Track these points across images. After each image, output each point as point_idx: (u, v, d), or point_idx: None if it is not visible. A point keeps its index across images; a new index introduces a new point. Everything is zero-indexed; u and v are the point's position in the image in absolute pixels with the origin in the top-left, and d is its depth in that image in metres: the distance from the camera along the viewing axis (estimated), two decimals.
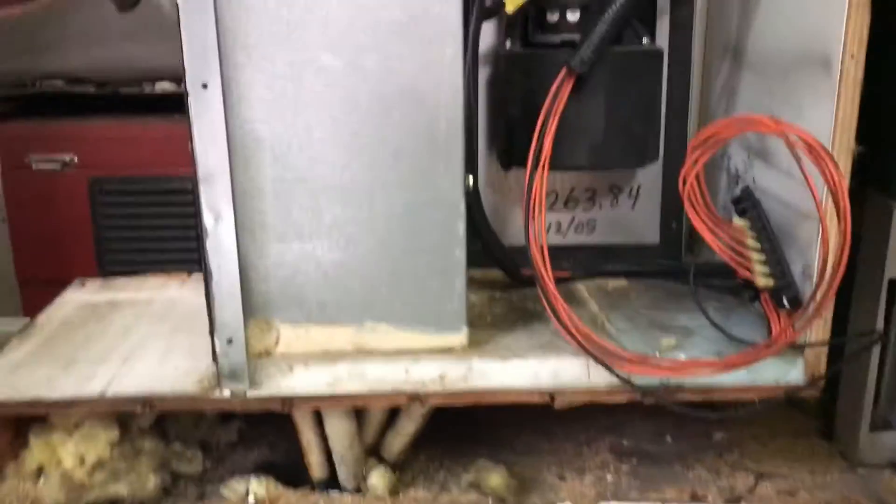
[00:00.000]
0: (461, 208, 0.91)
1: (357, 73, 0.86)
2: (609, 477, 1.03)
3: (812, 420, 1.13)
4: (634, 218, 1.20)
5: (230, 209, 0.87)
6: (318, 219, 0.91)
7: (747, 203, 1.00)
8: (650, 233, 1.20)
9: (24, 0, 1.52)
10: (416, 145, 0.89)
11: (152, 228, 1.53)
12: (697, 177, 0.90)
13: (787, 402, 0.99)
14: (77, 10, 1.48)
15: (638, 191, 1.19)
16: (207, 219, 0.87)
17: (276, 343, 0.93)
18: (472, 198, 0.97)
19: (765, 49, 1.04)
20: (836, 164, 0.79)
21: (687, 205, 0.93)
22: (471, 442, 1.09)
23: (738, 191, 1.05)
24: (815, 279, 0.88)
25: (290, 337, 0.93)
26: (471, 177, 0.92)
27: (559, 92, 0.95)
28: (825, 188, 0.84)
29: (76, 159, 1.50)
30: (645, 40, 1.06)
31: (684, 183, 0.91)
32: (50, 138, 1.50)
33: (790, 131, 0.81)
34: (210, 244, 0.88)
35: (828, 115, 0.87)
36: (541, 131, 0.95)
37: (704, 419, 1.04)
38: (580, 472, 1.04)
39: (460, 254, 0.92)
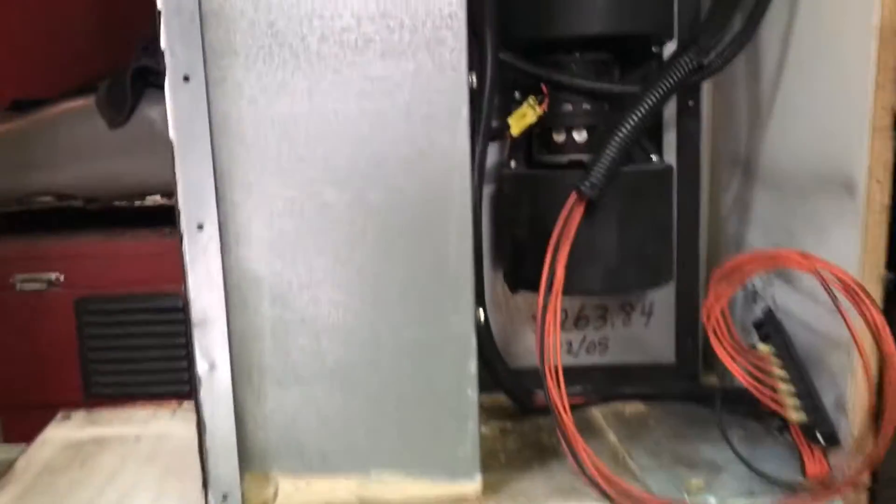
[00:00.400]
0: (473, 345, 0.85)
1: (361, 208, 0.82)
2: None
3: None
4: (648, 336, 1.15)
5: (226, 355, 0.81)
6: (319, 361, 0.85)
7: (770, 328, 0.96)
8: (665, 351, 1.15)
9: (12, 117, 1.50)
10: (425, 281, 0.84)
11: (141, 349, 1.47)
12: (722, 311, 0.85)
13: None
14: (67, 125, 1.45)
15: (651, 308, 1.14)
16: (201, 366, 0.81)
17: (275, 496, 0.86)
18: (483, 329, 0.91)
19: (779, 166, 1.01)
20: (875, 304, 0.75)
21: (712, 338, 0.87)
22: None
23: (758, 312, 1.01)
24: (850, 416, 0.83)
25: (289, 490, 0.86)
26: (481, 310, 0.87)
27: (570, 217, 0.92)
28: (861, 322, 0.79)
29: (62, 278, 1.45)
30: (654, 157, 1.03)
31: (708, 317, 0.86)
32: (35, 257, 1.45)
33: (823, 268, 0.77)
34: (204, 393, 0.82)
35: (855, 241, 0.83)
36: (552, 258, 0.91)
37: None
38: None
39: (472, 394, 0.86)
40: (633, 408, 1.09)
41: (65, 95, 1.53)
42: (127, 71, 1.39)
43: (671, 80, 0.91)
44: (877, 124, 0.80)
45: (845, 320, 0.78)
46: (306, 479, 0.86)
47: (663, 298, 1.14)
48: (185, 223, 0.79)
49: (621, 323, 1.15)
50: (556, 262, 0.91)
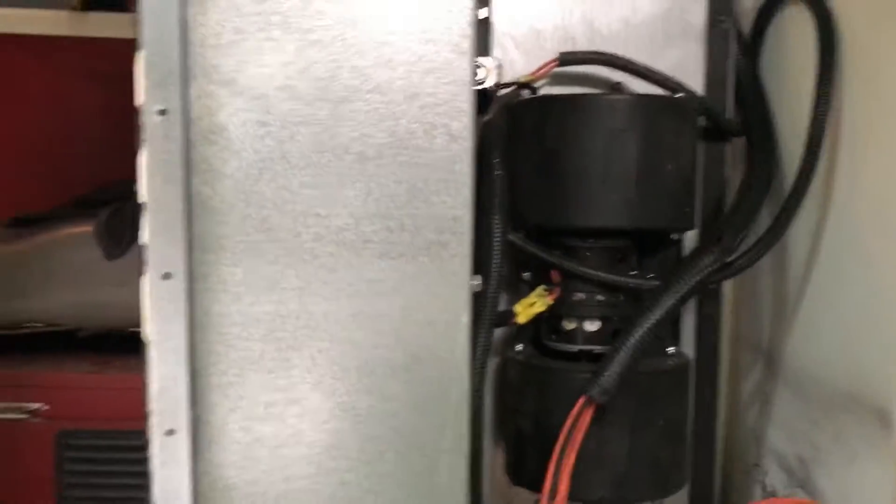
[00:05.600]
0: None
1: (347, 416, 0.75)
2: None
3: None
4: None
5: None
6: None
7: None
8: None
9: (10, 237, 1.46)
10: (413, 498, 0.77)
11: (121, 488, 1.39)
12: None
13: None
14: (63, 252, 1.41)
15: (662, 500, 1.06)
16: None
17: None
18: None
19: (804, 367, 0.94)
20: None
21: None
22: None
23: None
24: None
25: None
26: None
27: (577, 422, 0.84)
28: None
29: (45, 409, 1.39)
30: (671, 349, 0.96)
31: None
32: (18, 385, 1.39)
33: None
34: None
35: (891, 481, 0.75)
36: (557, 465, 0.83)
37: None
38: None
39: None
40: None
41: (69, 212, 1.50)
42: (127, 204, 1.35)
43: (693, 281, 0.85)
44: None
45: None
46: None
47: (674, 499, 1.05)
48: (155, 426, 0.73)
49: None
50: (561, 471, 0.83)
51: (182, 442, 0.73)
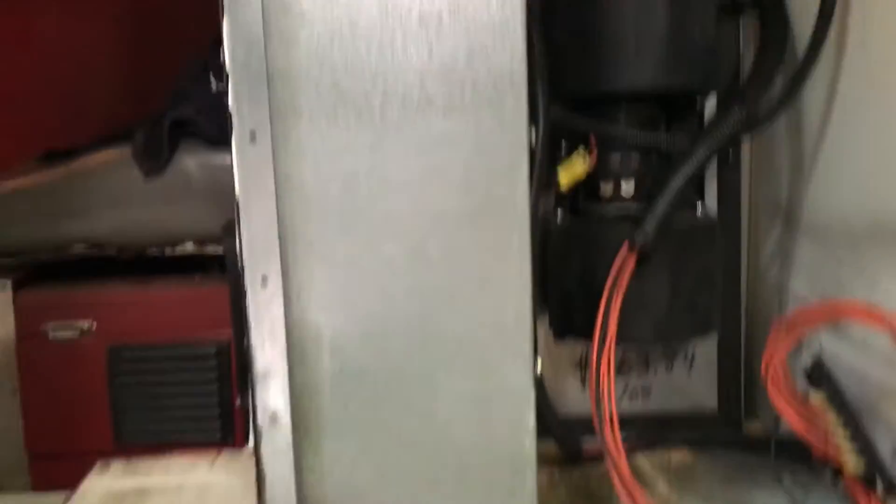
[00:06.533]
0: (530, 398, 0.85)
1: (420, 261, 0.83)
2: None
3: None
4: (691, 383, 1.15)
5: (287, 409, 0.81)
6: (376, 412, 0.85)
7: (820, 375, 0.96)
8: (708, 399, 1.15)
9: (45, 167, 1.51)
10: (483, 333, 0.84)
11: (171, 396, 1.47)
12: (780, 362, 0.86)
13: None
14: (102, 175, 1.46)
15: (693, 355, 1.15)
16: (262, 419, 0.81)
17: None
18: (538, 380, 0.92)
19: (823, 215, 1.02)
20: None
21: (770, 389, 0.88)
22: None
23: (807, 358, 1.01)
24: None
25: None
26: (539, 362, 0.87)
27: (622, 267, 0.92)
28: None
29: (94, 326, 1.45)
30: (699, 207, 1.04)
31: (766, 368, 0.86)
32: (68, 305, 1.45)
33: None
34: (265, 446, 0.82)
35: None
36: (605, 309, 0.91)
37: None
38: None
39: (530, 446, 0.86)
40: (679, 456, 1.09)
41: (97, 144, 1.54)
42: (163, 121, 1.41)
43: (723, 133, 0.93)
44: None
45: None
46: None
47: (705, 345, 1.14)
48: (250, 278, 0.80)
49: (664, 369, 1.15)
50: (610, 311, 0.91)
51: (275, 290, 0.80)
